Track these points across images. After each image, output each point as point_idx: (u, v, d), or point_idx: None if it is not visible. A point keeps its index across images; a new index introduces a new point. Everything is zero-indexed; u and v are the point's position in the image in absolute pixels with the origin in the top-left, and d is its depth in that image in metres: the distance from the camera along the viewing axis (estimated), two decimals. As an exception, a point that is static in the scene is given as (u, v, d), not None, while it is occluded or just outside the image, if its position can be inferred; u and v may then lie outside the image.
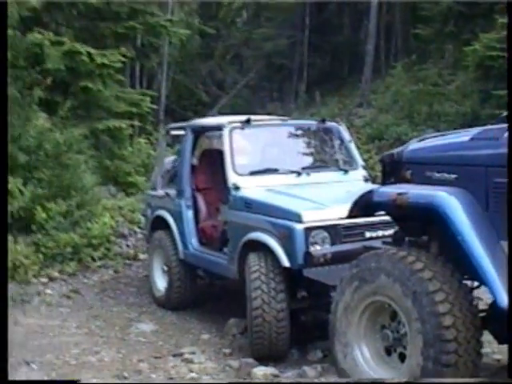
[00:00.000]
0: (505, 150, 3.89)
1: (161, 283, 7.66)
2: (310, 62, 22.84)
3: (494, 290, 3.81)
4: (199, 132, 7.44)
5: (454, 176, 4.22)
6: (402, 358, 4.26)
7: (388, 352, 4.40)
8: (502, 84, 12.19)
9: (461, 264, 4.09)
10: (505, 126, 4.10)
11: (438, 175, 4.33)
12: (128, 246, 9.87)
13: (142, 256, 9.59)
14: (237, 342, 6.32)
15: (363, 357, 4.41)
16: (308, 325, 6.45)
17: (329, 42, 23.18)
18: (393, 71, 18.59)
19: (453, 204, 4.00)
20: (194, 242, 7.17)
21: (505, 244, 3.87)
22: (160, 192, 7.87)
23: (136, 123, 12.67)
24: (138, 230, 10.21)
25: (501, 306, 3.78)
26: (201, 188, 7.43)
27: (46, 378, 5.38)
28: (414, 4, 18.94)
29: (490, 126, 4.33)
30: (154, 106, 14.14)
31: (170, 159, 8.33)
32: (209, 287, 8.12)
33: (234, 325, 6.56)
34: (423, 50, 18.91)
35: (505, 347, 5.27)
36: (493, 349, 5.59)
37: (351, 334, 4.41)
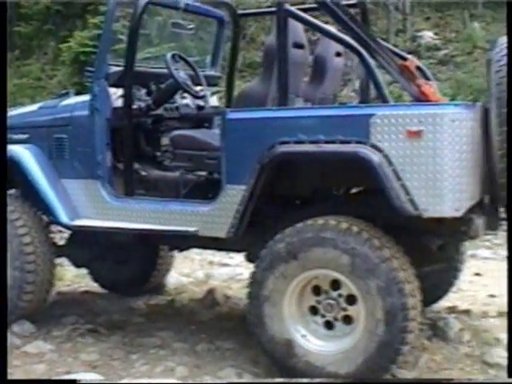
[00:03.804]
0: (59, 115, 5.47)
1: None
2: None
3: (55, 213, 5.33)
4: None
5: (27, 136, 5.62)
6: None
7: None
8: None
9: (36, 201, 5.54)
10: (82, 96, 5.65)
11: (17, 137, 5.67)
12: None
13: None
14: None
15: None
16: None
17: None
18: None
19: (25, 155, 5.42)
20: None
21: (64, 181, 5.43)
22: None
23: None
24: None
25: (61, 221, 5.36)
26: None
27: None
28: (16, 3, 19.83)
29: (51, 100, 5.93)
30: None
31: None
32: None
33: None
34: (28, 46, 19.90)
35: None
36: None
37: None
